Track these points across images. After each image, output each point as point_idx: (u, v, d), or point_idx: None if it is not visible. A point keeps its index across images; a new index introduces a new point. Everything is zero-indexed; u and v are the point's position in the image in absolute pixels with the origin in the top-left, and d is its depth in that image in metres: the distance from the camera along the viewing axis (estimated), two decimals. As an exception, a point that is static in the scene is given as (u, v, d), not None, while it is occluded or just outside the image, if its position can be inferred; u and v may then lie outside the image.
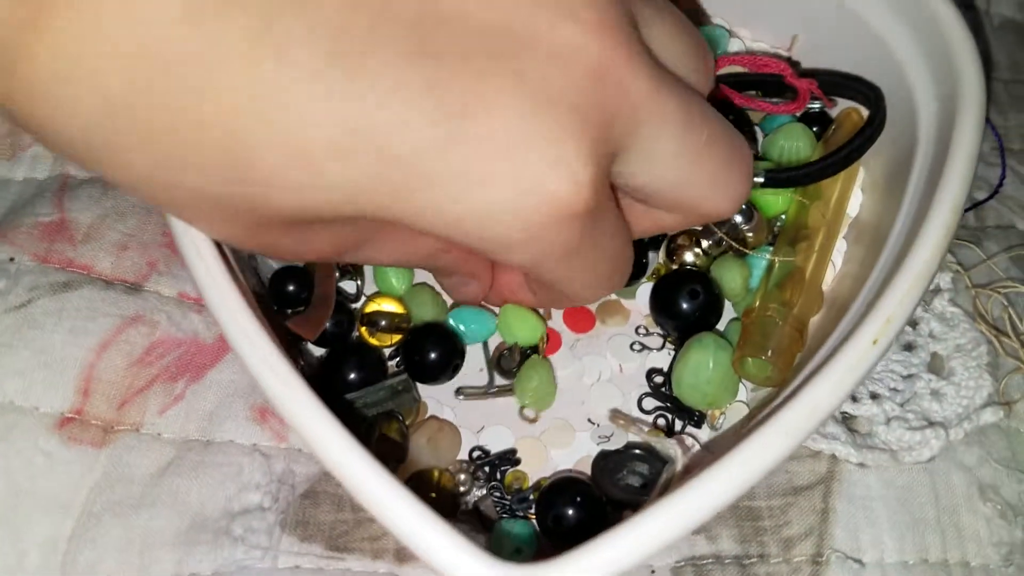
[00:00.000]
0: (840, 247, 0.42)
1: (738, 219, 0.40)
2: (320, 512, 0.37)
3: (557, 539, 0.37)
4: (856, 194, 0.43)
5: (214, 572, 0.35)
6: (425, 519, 0.26)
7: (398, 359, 0.42)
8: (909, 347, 0.42)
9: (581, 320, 0.44)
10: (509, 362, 0.42)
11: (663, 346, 0.43)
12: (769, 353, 0.37)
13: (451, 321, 0.42)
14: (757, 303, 0.39)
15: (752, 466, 0.28)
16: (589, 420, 0.41)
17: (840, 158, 0.39)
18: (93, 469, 0.37)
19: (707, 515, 0.27)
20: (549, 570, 0.26)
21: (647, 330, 0.43)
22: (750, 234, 0.41)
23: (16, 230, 0.41)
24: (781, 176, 0.38)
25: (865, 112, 0.43)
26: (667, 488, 0.37)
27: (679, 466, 0.36)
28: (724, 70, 0.43)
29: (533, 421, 0.41)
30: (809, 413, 0.29)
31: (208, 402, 0.39)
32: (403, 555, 0.36)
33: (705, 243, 0.42)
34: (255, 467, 0.38)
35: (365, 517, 0.37)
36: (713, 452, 0.38)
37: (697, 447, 0.39)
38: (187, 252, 0.30)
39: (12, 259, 0.40)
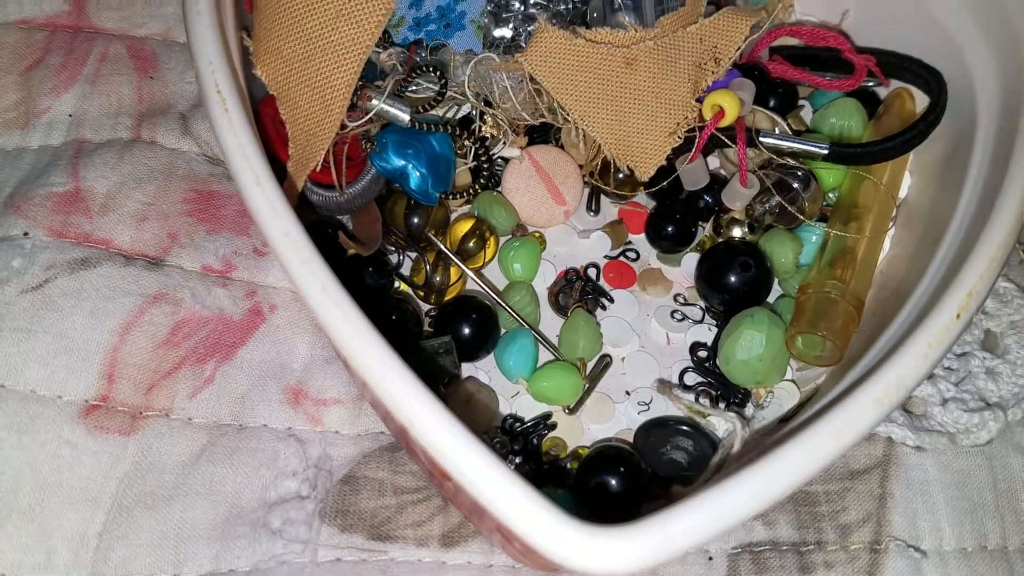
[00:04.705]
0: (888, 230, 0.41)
1: (797, 186, 0.38)
2: (360, 499, 0.35)
3: (597, 507, 0.36)
4: (905, 177, 0.41)
5: (253, 567, 0.34)
6: (517, 485, 0.25)
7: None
8: (962, 324, 0.41)
9: (621, 276, 0.43)
10: (567, 299, 0.41)
11: (703, 319, 0.42)
12: (827, 331, 0.36)
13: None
14: (812, 279, 0.38)
15: (845, 432, 0.27)
16: (627, 392, 0.40)
17: (902, 141, 0.37)
18: (122, 459, 0.34)
19: (802, 479, 0.26)
20: (636, 531, 0.24)
21: (685, 299, 0.42)
22: (807, 203, 0.39)
23: (29, 202, 0.38)
24: (846, 152, 0.37)
25: (916, 93, 0.41)
26: (723, 465, 0.35)
27: (739, 442, 0.35)
28: (780, 41, 0.41)
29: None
30: (897, 383, 0.28)
31: (240, 384, 0.37)
32: (449, 540, 0.35)
33: (759, 209, 0.40)
34: (290, 453, 0.36)
35: (408, 501, 0.36)
36: (763, 434, 0.37)
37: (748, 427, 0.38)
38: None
39: (26, 234, 0.37)
